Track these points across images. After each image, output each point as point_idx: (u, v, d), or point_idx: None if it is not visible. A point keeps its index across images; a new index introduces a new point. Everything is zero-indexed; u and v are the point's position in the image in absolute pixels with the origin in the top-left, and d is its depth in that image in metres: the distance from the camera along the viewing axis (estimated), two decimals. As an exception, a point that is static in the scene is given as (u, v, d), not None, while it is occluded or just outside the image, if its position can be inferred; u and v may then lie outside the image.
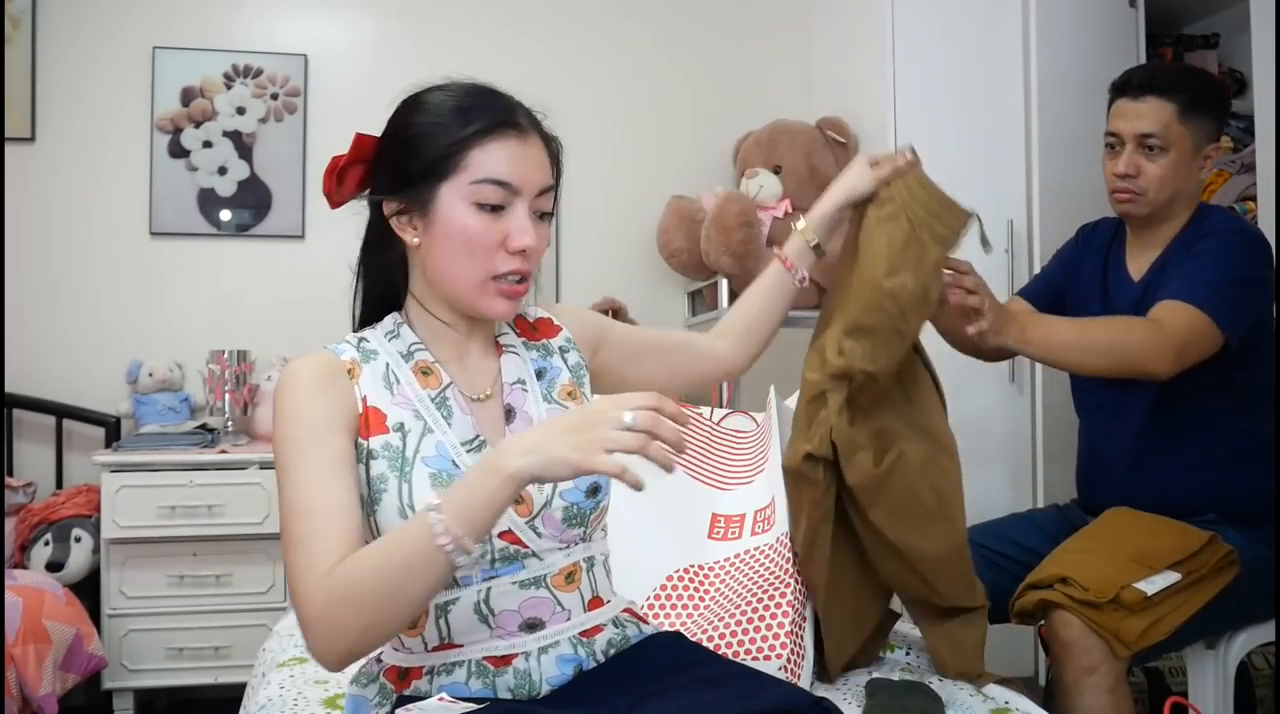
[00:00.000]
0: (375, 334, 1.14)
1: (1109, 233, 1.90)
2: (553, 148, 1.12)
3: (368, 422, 1.06)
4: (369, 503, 1.04)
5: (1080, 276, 1.91)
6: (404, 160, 1.07)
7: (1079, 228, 1.99)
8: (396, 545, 0.92)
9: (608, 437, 0.86)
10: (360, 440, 1.05)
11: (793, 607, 1.45)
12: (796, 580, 1.48)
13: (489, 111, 1.06)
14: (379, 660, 1.13)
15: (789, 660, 1.38)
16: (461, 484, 0.92)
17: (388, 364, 1.10)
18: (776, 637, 1.39)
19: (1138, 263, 1.82)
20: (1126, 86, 1.76)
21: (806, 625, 1.52)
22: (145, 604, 2.56)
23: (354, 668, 1.09)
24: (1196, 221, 1.77)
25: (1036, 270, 2.51)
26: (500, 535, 1.04)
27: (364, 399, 1.07)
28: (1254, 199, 2.62)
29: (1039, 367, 2.51)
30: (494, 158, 1.04)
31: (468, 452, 1.07)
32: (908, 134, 2.66)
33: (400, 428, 1.06)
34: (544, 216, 1.10)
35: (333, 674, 1.69)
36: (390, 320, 1.15)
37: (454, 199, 1.05)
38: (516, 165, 1.05)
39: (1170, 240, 1.78)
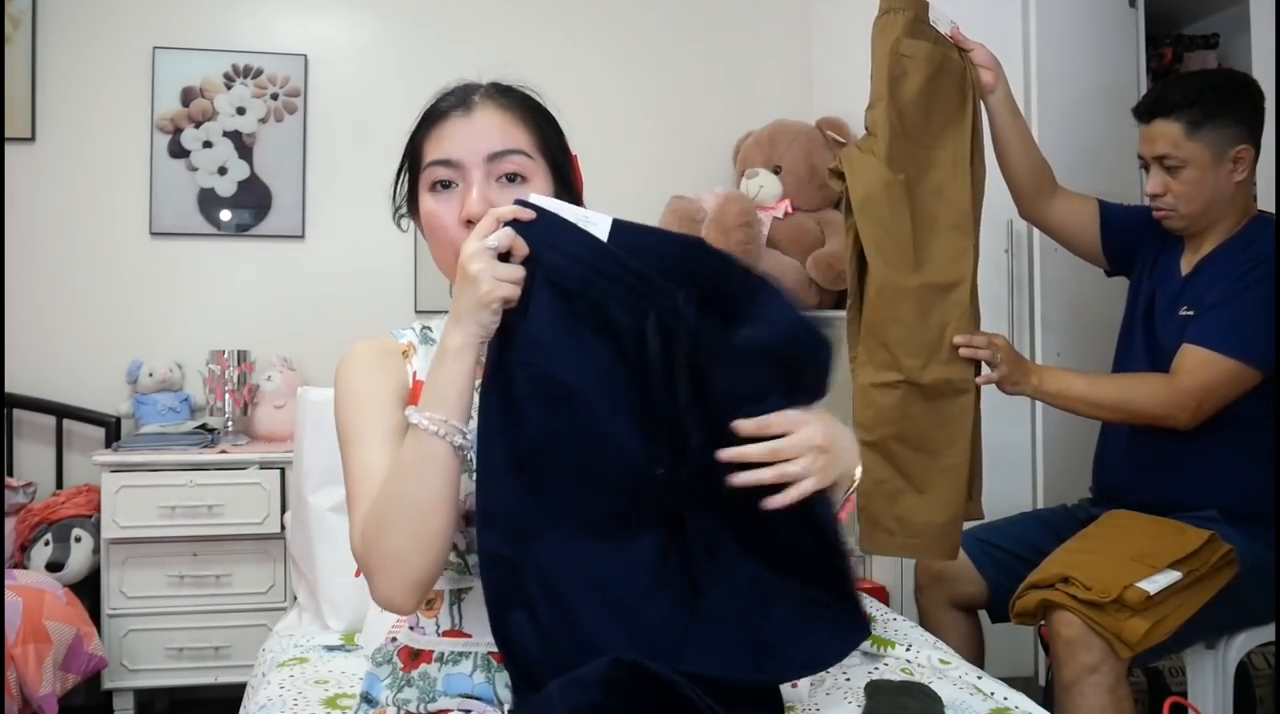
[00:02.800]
0: (439, 322, 1.20)
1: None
2: (520, 111, 1.11)
3: (413, 396, 1.12)
4: None
5: (1146, 248, 1.93)
6: (400, 170, 1.17)
7: None
8: (402, 457, 0.98)
9: (491, 274, 0.94)
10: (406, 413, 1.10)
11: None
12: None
13: (439, 102, 1.12)
14: (394, 640, 1.14)
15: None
16: (426, 381, 1.00)
17: None
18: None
19: (1189, 258, 1.85)
20: (1138, 111, 1.81)
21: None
22: (145, 604, 2.56)
23: (374, 646, 1.18)
24: (1246, 231, 1.78)
25: (1037, 270, 2.52)
26: None
27: (414, 373, 1.13)
28: (1254, 199, 2.62)
29: (1039, 366, 2.52)
30: (436, 141, 1.09)
31: None
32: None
33: None
34: (515, 178, 1.07)
35: (332, 674, 1.69)
36: None
37: (423, 193, 1.11)
38: (457, 140, 1.08)
39: (1220, 244, 1.80)
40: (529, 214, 0.96)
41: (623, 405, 0.97)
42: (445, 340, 0.97)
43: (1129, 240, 1.95)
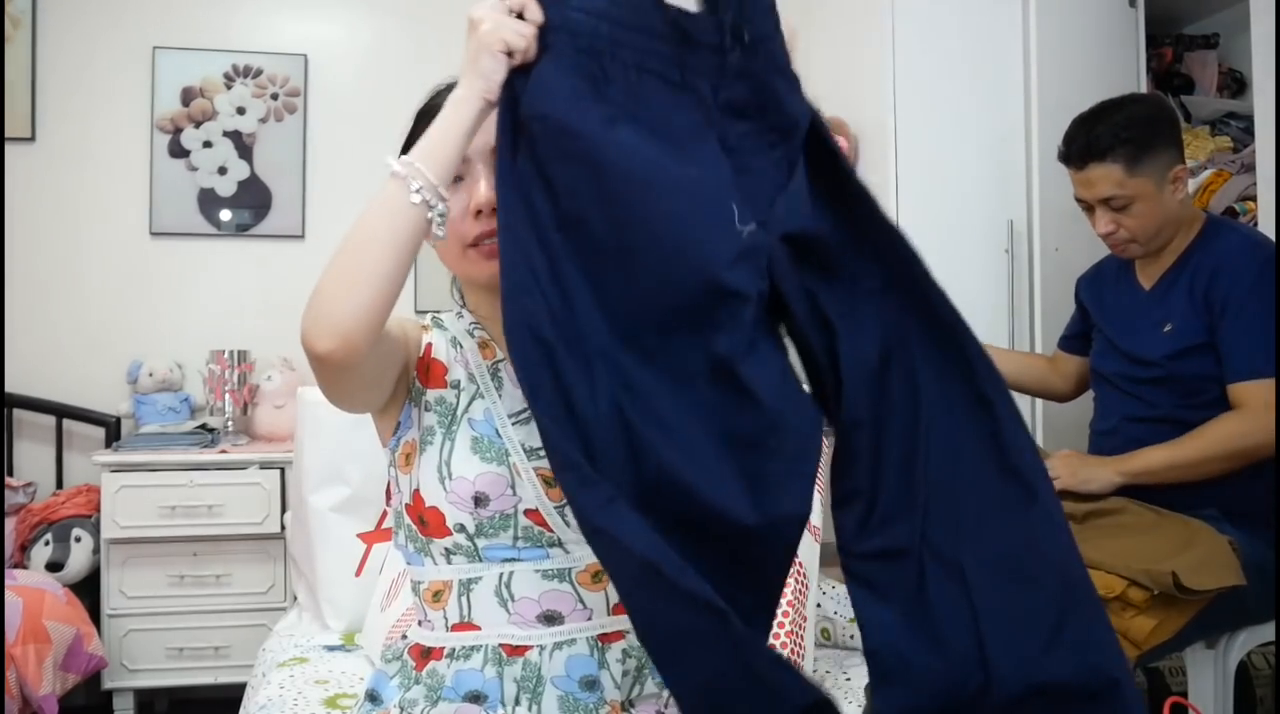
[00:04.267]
0: (449, 314, 1.20)
1: (1115, 259, 1.95)
2: None
3: (428, 370, 1.11)
4: (416, 451, 1.08)
5: (1092, 304, 1.99)
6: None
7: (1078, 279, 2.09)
8: (373, 201, 0.95)
9: (495, 15, 0.89)
10: (419, 385, 1.11)
11: (793, 606, 1.45)
12: (797, 580, 1.48)
13: (436, 98, 1.10)
14: (404, 638, 1.13)
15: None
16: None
17: (454, 336, 1.16)
18: (776, 636, 1.39)
19: (1147, 273, 1.87)
20: (1069, 158, 1.80)
21: (807, 625, 1.53)
22: (145, 604, 2.56)
23: (374, 646, 1.13)
24: (1204, 239, 1.80)
25: (1037, 270, 2.52)
26: (526, 513, 1.05)
27: (429, 346, 1.12)
28: (1254, 199, 2.62)
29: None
30: None
31: (514, 423, 1.08)
32: (908, 134, 2.66)
33: (456, 386, 1.11)
34: None
35: (332, 674, 1.69)
36: (459, 302, 1.21)
37: None
38: None
39: (1179, 255, 1.81)
40: None
41: (672, 171, 0.89)
42: (455, 92, 0.92)
43: (1087, 332, 2.03)
